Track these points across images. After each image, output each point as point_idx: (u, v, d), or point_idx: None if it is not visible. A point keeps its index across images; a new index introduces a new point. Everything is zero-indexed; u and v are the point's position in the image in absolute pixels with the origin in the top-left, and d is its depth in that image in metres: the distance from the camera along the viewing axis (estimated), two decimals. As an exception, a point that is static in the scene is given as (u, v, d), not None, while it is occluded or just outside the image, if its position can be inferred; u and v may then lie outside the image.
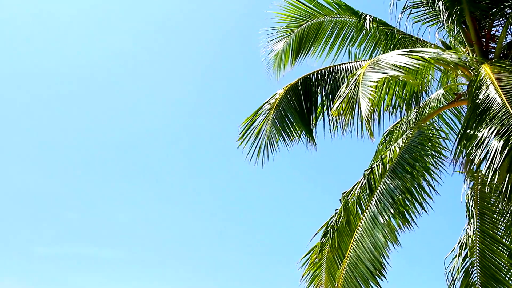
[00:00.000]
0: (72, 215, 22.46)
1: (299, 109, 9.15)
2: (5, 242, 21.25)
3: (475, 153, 5.81)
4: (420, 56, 6.75)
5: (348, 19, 10.04)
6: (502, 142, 5.61)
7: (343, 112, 6.54)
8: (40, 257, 21.30)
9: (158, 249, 22.38)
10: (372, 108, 5.94)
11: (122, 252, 22.09)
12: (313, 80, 9.46)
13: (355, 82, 6.40)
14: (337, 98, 6.78)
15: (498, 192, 5.73)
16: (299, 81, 9.41)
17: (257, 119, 9.00)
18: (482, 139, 5.82)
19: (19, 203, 22.51)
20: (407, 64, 6.55)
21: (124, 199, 23.03)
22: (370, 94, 5.99)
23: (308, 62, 10.46)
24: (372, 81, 6.16)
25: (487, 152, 5.69)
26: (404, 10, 9.18)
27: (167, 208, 23.03)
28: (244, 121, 9.06)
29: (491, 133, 5.79)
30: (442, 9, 8.50)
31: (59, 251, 21.42)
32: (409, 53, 6.82)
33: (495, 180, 5.61)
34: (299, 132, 9.11)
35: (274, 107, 8.95)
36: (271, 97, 9.19)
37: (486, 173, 5.62)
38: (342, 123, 7.99)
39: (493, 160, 5.58)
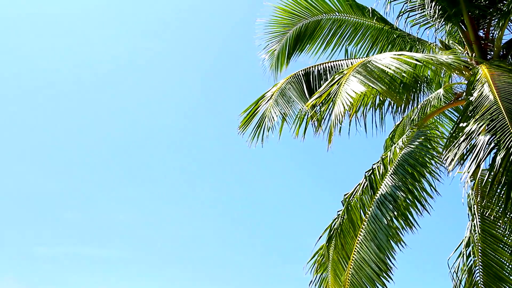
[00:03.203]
0: (72, 215, 22.50)
1: (302, 95, 9.03)
2: (5, 242, 21.30)
3: (460, 146, 5.83)
4: (411, 60, 6.72)
5: (346, 17, 10.04)
6: (489, 136, 5.64)
7: (320, 106, 6.59)
8: (40, 257, 21.34)
9: (158, 249, 22.43)
10: (343, 116, 5.97)
11: (122, 252, 22.13)
12: (315, 73, 9.43)
13: (338, 82, 6.42)
14: (316, 92, 6.81)
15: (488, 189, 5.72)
16: (301, 72, 9.37)
17: (258, 106, 8.95)
18: (470, 133, 5.85)
19: (19, 203, 22.54)
20: (396, 69, 6.56)
21: (124, 199, 23.06)
22: (346, 104, 6.02)
23: (304, 59, 10.45)
24: (353, 91, 6.17)
25: (473, 146, 5.72)
26: (401, 14, 9.22)
27: (167, 208, 23.07)
28: (244, 109, 9.01)
29: (479, 128, 5.81)
30: (441, 8, 8.52)
31: (59, 251, 21.46)
32: (401, 56, 6.81)
33: (478, 174, 5.62)
34: (302, 116, 9.04)
35: (276, 93, 8.90)
36: (273, 86, 9.15)
37: (470, 167, 5.63)
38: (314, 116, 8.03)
39: (478, 154, 5.61)
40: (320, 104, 8.19)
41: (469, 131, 5.86)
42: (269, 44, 10.55)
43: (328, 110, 6.79)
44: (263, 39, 10.55)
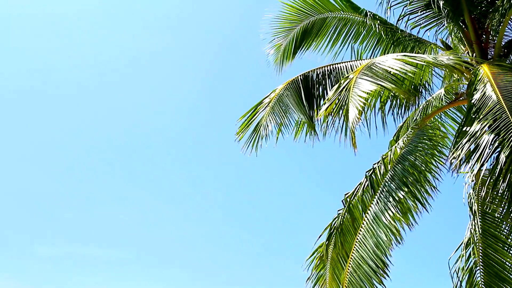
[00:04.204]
0: (72, 215, 22.50)
1: (299, 102, 9.12)
2: (5, 242, 21.29)
3: (464, 146, 5.80)
4: (414, 61, 6.74)
5: (351, 16, 10.07)
6: (492, 135, 5.61)
7: (332, 115, 6.59)
8: (40, 257, 21.34)
9: (158, 249, 22.44)
10: (359, 119, 5.98)
11: (122, 252, 22.13)
12: (314, 77, 9.46)
13: (346, 87, 6.43)
14: (326, 99, 6.83)
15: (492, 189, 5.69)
16: (300, 77, 9.41)
17: (256, 113, 8.98)
18: (474, 133, 5.82)
19: (19, 203, 22.55)
20: (400, 70, 6.57)
21: (124, 199, 23.07)
22: (360, 105, 6.02)
23: (310, 57, 10.53)
24: (363, 91, 6.18)
25: (477, 145, 5.68)
26: (402, 18, 9.27)
27: (167, 208, 23.07)
28: (242, 115, 9.05)
29: (483, 128, 5.79)
30: (442, 8, 8.52)
31: (59, 251, 21.46)
32: (404, 57, 6.82)
33: (482, 172, 5.56)
34: (299, 123, 9.09)
35: (274, 100, 8.95)
36: (271, 92, 9.20)
37: (474, 166, 5.60)
38: (328, 124, 8.11)
39: (482, 153, 5.57)
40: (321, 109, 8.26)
41: (473, 131, 5.84)
42: (276, 39, 10.64)
43: (339, 115, 6.82)
44: (270, 34, 10.66)
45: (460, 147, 5.85)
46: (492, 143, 5.60)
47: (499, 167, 5.46)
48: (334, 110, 6.53)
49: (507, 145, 5.46)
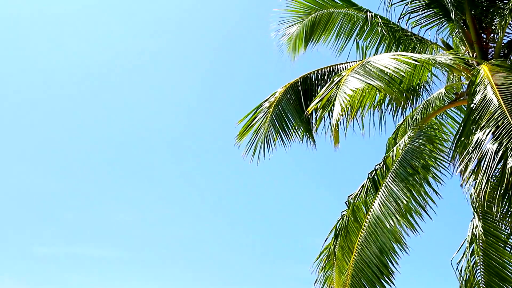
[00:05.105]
0: (71, 215, 22.49)
1: (299, 107, 9.16)
2: (5, 242, 21.28)
3: (470, 157, 5.71)
4: (410, 61, 6.70)
5: (355, 12, 10.09)
6: (496, 144, 5.49)
7: (322, 111, 6.58)
8: (40, 257, 21.32)
9: (158, 249, 22.42)
10: (345, 114, 5.98)
11: (122, 252, 22.11)
12: (313, 79, 9.48)
13: (337, 84, 6.43)
14: (318, 95, 6.85)
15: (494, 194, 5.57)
16: (299, 79, 9.44)
17: (255, 117, 9.00)
18: (477, 142, 5.71)
19: (19, 203, 22.53)
20: (395, 70, 6.55)
21: (124, 199, 23.05)
22: (344, 103, 6.02)
23: (319, 49, 10.58)
24: (350, 89, 6.18)
25: (482, 157, 5.56)
26: (402, 16, 9.30)
27: (167, 208, 23.05)
28: (241, 118, 9.08)
29: (486, 136, 5.69)
30: (449, 6, 8.52)
31: (59, 251, 21.45)
32: (399, 56, 6.78)
33: (488, 187, 5.39)
34: (298, 130, 9.12)
35: (273, 105, 8.97)
36: (271, 96, 9.21)
37: (481, 179, 5.47)
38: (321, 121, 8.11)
39: (488, 165, 5.46)
40: (317, 110, 8.30)
41: (478, 140, 5.73)
42: (284, 36, 10.71)
43: (329, 112, 6.79)
44: (276, 34, 10.76)
45: (465, 160, 5.72)
46: (496, 152, 5.46)
47: (505, 177, 5.32)
48: (326, 106, 6.54)
49: (510, 155, 5.35)
